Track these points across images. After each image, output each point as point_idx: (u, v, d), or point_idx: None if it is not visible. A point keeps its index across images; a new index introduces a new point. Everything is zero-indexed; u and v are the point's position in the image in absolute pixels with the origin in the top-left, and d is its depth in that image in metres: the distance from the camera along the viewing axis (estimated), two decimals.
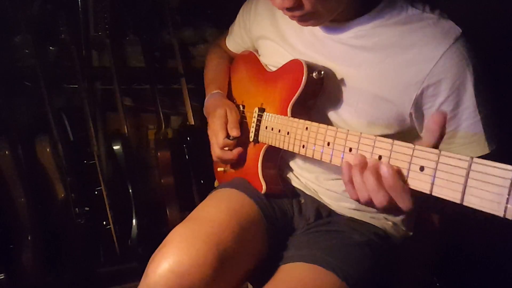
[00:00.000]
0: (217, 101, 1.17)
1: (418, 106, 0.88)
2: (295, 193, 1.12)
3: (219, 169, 1.26)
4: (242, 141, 1.14)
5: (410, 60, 0.85)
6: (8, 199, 1.57)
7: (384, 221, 1.07)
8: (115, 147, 1.87)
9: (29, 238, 1.59)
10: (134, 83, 2.05)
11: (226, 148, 1.11)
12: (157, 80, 1.98)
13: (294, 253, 0.98)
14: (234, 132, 1.08)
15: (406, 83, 0.86)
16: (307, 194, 1.10)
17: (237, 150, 1.10)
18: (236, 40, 1.29)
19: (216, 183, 1.35)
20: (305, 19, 0.88)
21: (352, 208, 1.06)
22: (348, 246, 0.98)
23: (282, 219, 1.06)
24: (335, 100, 0.96)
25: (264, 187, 1.04)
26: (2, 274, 1.53)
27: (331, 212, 1.08)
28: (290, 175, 1.12)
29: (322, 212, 1.07)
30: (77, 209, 1.73)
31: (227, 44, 1.33)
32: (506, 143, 0.88)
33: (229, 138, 1.10)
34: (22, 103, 1.78)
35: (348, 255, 0.95)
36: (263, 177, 1.04)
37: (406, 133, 0.92)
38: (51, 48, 1.88)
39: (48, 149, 1.70)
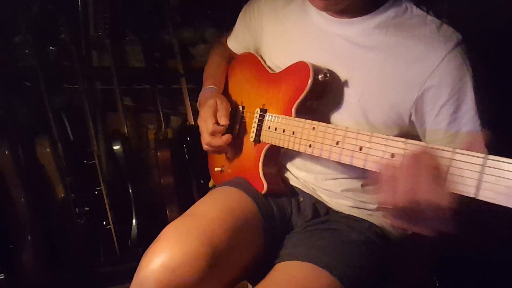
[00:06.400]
0: (209, 94, 1.18)
1: (418, 107, 0.89)
2: (294, 192, 1.12)
3: (216, 168, 1.25)
4: (240, 141, 1.15)
5: (412, 61, 0.87)
6: (8, 199, 1.57)
7: (382, 219, 1.07)
8: (115, 147, 1.87)
9: (29, 238, 1.59)
10: (134, 83, 2.04)
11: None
12: (157, 80, 1.98)
13: (290, 251, 0.98)
14: (223, 120, 1.08)
15: (408, 83, 0.88)
16: (305, 192, 1.10)
17: (226, 136, 1.10)
18: (238, 40, 1.29)
19: (210, 183, 1.34)
20: None
21: (349, 205, 1.06)
22: (345, 244, 0.98)
23: (280, 218, 1.07)
24: (336, 100, 0.97)
25: (265, 186, 1.04)
26: (2, 274, 1.53)
27: (328, 210, 1.08)
28: (288, 175, 1.13)
29: (320, 209, 1.08)
30: (77, 209, 1.73)
31: (228, 44, 1.33)
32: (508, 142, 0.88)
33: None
34: (22, 103, 1.78)
35: (344, 253, 0.95)
36: (264, 176, 1.05)
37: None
38: (51, 48, 1.89)
39: (48, 149, 1.70)
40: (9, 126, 1.64)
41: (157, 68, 2.05)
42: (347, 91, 0.96)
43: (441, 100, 0.87)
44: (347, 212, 1.07)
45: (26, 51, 1.78)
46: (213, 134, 1.10)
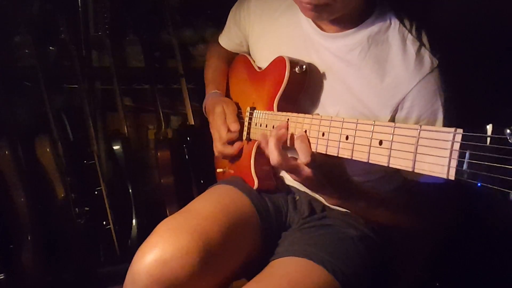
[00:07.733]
0: (215, 100, 1.20)
1: None
2: (290, 190, 1.13)
3: (218, 170, 1.27)
4: (239, 140, 1.15)
5: (388, 82, 0.91)
6: (8, 199, 1.57)
7: None
8: (115, 147, 1.87)
9: (29, 238, 1.59)
10: (134, 83, 2.05)
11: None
12: (157, 80, 1.98)
13: (286, 248, 0.98)
14: (234, 126, 1.11)
15: (383, 102, 0.92)
16: (300, 190, 1.11)
17: (238, 144, 1.13)
18: (230, 37, 1.29)
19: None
20: (318, 10, 0.88)
21: None
22: (341, 240, 0.98)
23: (276, 215, 1.07)
24: (319, 103, 1.00)
25: (256, 182, 1.06)
26: (2, 274, 1.53)
27: (325, 207, 1.09)
28: (284, 173, 1.13)
29: (316, 207, 1.08)
30: (77, 209, 1.73)
31: (220, 42, 1.33)
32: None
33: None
34: (22, 103, 1.78)
35: (340, 249, 0.95)
36: (256, 173, 1.06)
37: None
38: (51, 48, 1.89)
39: (48, 149, 1.70)
40: (9, 126, 1.64)
41: (157, 68, 2.05)
42: (329, 98, 0.98)
43: (411, 122, 0.90)
44: (343, 209, 1.07)
45: (26, 51, 1.78)
46: (227, 142, 1.12)
